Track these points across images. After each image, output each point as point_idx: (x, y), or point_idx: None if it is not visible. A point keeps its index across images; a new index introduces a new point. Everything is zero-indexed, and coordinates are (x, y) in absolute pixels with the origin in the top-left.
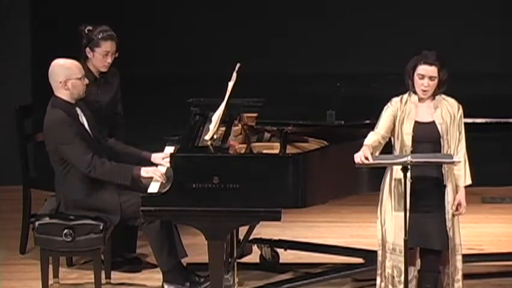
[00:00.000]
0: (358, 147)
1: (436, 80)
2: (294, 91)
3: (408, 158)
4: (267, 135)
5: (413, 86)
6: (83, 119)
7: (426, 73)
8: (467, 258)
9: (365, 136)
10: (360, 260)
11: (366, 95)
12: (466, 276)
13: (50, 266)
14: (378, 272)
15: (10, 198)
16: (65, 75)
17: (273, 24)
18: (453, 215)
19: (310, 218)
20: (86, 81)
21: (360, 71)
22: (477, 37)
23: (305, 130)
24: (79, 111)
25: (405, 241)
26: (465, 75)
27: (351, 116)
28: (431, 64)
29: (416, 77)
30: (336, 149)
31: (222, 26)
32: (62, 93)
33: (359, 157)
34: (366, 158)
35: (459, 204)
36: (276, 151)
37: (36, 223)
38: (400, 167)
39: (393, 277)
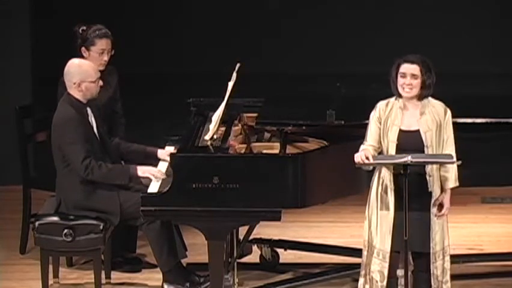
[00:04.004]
0: (358, 147)
1: (419, 80)
2: (294, 91)
3: (409, 158)
4: (267, 135)
5: (397, 88)
6: (92, 120)
7: (407, 71)
8: (467, 258)
9: (365, 136)
10: (360, 260)
11: (366, 95)
12: (466, 276)
13: (50, 266)
14: (362, 272)
15: (10, 198)
16: (80, 77)
17: (273, 24)
18: (438, 216)
19: (310, 218)
20: (101, 83)
21: (360, 71)
22: (477, 37)
23: (305, 130)
24: (89, 111)
25: (405, 241)
26: (465, 75)
27: (351, 116)
28: (412, 62)
29: (399, 78)
30: (336, 149)
31: (222, 25)
32: (75, 93)
33: (359, 157)
34: (367, 158)
35: (441, 205)
36: (276, 151)
37: (36, 223)
38: (388, 170)
39: (377, 281)
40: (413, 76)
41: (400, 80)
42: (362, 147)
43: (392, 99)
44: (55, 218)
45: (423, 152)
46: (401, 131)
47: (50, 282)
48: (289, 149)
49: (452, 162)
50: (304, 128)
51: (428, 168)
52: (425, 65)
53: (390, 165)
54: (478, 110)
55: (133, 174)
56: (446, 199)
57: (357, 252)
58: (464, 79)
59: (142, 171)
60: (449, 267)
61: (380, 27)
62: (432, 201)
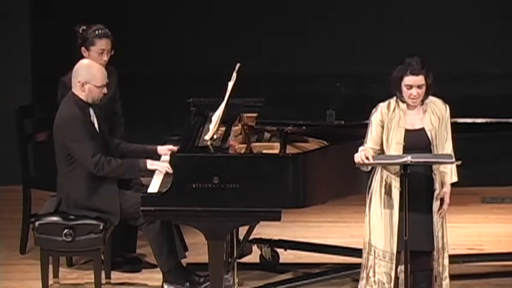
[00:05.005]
0: (358, 147)
1: (424, 87)
2: (294, 91)
3: (409, 158)
4: (267, 135)
5: (402, 95)
6: (94, 121)
7: (414, 83)
8: (467, 258)
9: (365, 136)
10: (360, 260)
11: (366, 95)
12: (466, 276)
13: (50, 266)
14: (363, 274)
15: (10, 198)
16: (86, 78)
17: (273, 24)
18: (439, 214)
19: (310, 218)
20: (105, 90)
21: (360, 71)
22: (477, 37)
23: (305, 130)
24: (91, 112)
25: (405, 241)
26: (465, 75)
27: (351, 116)
28: (417, 74)
29: (403, 88)
30: (336, 149)
31: (221, 25)
32: (79, 93)
33: (359, 157)
34: (367, 158)
35: (442, 200)
36: (276, 151)
37: (36, 223)
38: (393, 171)
39: (383, 283)
40: (419, 86)
41: (406, 92)
42: (360, 148)
43: (393, 101)
44: (55, 218)
45: (430, 149)
46: (406, 130)
47: (50, 282)
48: (289, 149)
49: (452, 162)
50: (304, 128)
51: (434, 167)
52: (427, 70)
53: (391, 165)
54: (478, 110)
55: (142, 167)
56: (447, 195)
57: (357, 252)
58: (464, 79)
59: (151, 163)
60: (447, 263)
61: (380, 27)
62: (435, 201)
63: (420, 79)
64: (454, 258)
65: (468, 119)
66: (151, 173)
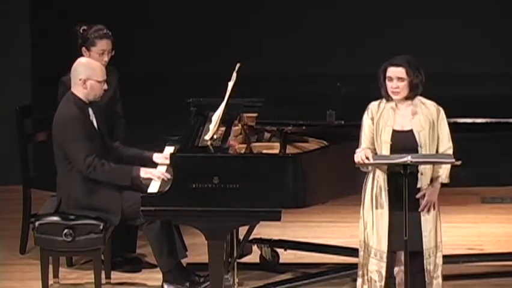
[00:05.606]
0: (357, 147)
1: (406, 82)
2: (294, 91)
3: (409, 158)
4: (267, 135)
5: (386, 92)
6: (93, 120)
7: (393, 74)
8: (467, 258)
9: (359, 139)
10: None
11: (366, 95)
12: (466, 276)
13: (50, 266)
14: (359, 272)
15: (10, 198)
16: (87, 74)
17: (273, 24)
18: (421, 209)
19: (310, 218)
20: (105, 86)
21: (360, 71)
22: (477, 37)
23: (305, 130)
24: (90, 111)
25: (405, 241)
26: (465, 75)
27: (351, 116)
28: (397, 65)
29: (386, 81)
30: (336, 149)
31: (221, 26)
32: (79, 91)
33: (359, 156)
34: (367, 158)
35: (424, 196)
36: (276, 151)
37: (36, 223)
38: (381, 171)
39: (375, 281)
40: (400, 79)
41: (388, 84)
42: (358, 150)
43: (383, 100)
44: (55, 218)
45: (416, 151)
46: (394, 131)
47: (50, 282)
48: (289, 149)
49: (452, 162)
50: (304, 128)
51: (422, 166)
52: (411, 66)
53: (390, 165)
54: (478, 110)
55: (135, 175)
56: (430, 192)
57: (357, 252)
58: (464, 79)
59: (145, 172)
60: (441, 262)
61: (380, 27)
62: (419, 195)
63: (400, 71)
64: (454, 258)
65: (468, 119)
66: (148, 180)
